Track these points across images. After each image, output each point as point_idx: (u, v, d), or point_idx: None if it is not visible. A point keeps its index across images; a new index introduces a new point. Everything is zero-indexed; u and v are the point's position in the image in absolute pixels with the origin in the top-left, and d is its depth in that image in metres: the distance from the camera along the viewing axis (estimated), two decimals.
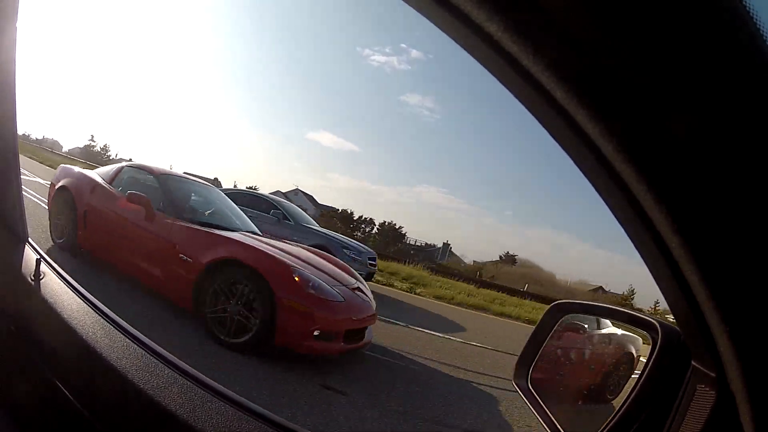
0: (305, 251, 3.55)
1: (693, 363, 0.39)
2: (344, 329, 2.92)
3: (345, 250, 6.91)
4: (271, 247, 3.16)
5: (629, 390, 0.47)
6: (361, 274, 6.97)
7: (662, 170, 0.27)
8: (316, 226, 7.78)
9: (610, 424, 0.46)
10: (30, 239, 0.98)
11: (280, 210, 7.38)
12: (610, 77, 0.25)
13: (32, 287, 0.86)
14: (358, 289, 3.31)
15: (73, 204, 3.88)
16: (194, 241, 3.13)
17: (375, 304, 3.38)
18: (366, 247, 8.02)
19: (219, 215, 3.82)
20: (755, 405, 0.31)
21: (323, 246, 6.67)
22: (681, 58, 0.24)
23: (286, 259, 2.99)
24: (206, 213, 3.74)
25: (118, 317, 0.85)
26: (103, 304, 0.87)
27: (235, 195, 7.92)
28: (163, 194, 3.55)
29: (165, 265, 3.14)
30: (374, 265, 7.69)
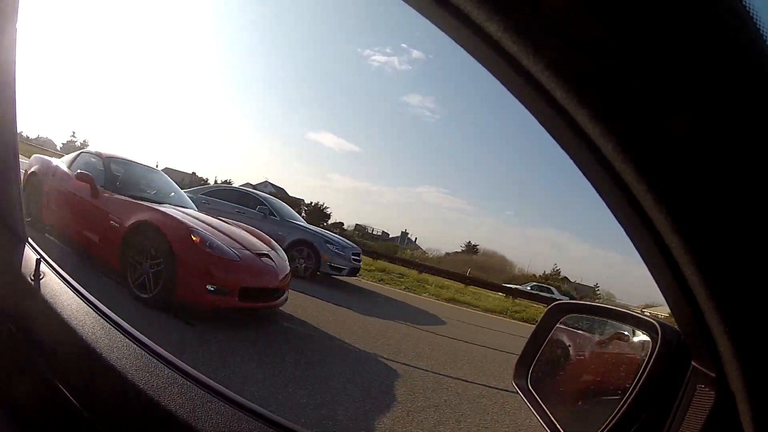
0: (226, 224, 4.04)
1: (693, 363, 0.39)
2: (239, 287, 3.28)
3: (328, 245, 7.18)
4: (185, 215, 3.67)
5: (629, 390, 0.47)
6: (344, 269, 7.33)
7: (662, 170, 0.27)
8: (302, 222, 8.00)
9: (610, 424, 0.46)
10: (30, 239, 0.98)
11: (266, 206, 7.66)
12: (610, 77, 0.25)
13: (32, 287, 0.86)
14: (266, 255, 3.72)
15: (39, 186, 4.44)
16: (123, 209, 3.65)
17: (286, 273, 3.85)
18: (351, 243, 8.21)
19: (155, 192, 4.41)
20: (755, 405, 0.31)
21: (307, 241, 7.10)
22: (681, 58, 0.24)
23: (190, 223, 3.45)
24: (144, 190, 4.31)
25: (118, 317, 0.85)
26: (103, 304, 0.87)
27: (224, 192, 8.26)
28: (105, 173, 4.15)
29: (101, 231, 3.68)
30: (358, 260, 7.89)
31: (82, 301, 0.86)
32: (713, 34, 0.23)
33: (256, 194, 8.30)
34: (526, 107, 0.31)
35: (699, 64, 0.24)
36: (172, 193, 4.61)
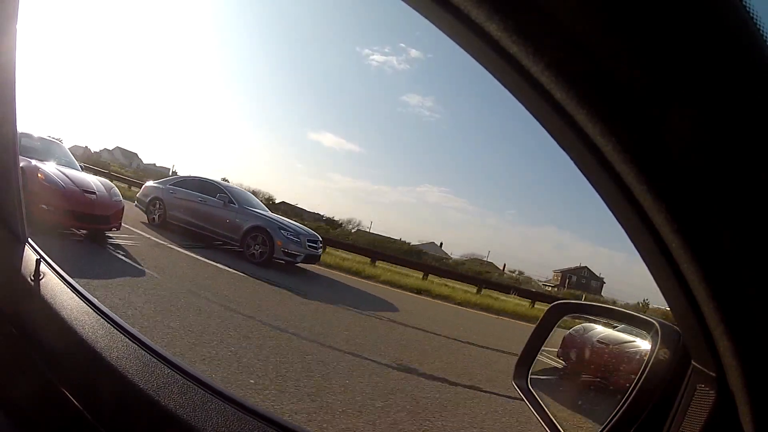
0: (81, 174, 5.96)
1: (693, 363, 0.39)
2: (62, 208, 5.13)
3: (282, 231, 7.35)
4: (48, 165, 5.55)
5: (629, 390, 0.47)
6: (299, 255, 7.53)
7: (662, 170, 0.27)
8: (260, 210, 8.15)
9: (610, 424, 0.46)
10: (30, 239, 0.98)
11: (226, 194, 7.93)
12: (610, 77, 0.25)
13: (32, 287, 0.86)
14: (91, 192, 5.53)
15: None
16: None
17: (112, 209, 5.65)
18: (308, 229, 8.23)
19: (46, 154, 6.09)
20: (755, 405, 0.31)
21: (261, 227, 7.36)
22: (681, 59, 0.24)
23: (42, 167, 5.34)
24: (38, 153, 5.97)
25: (118, 317, 0.85)
26: (103, 304, 0.87)
27: (188, 182, 8.60)
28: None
29: None
30: (315, 248, 7.86)
31: (82, 301, 0.86)
32: (713, 35, 0.23)
33: (218, 183, 8.54)
34: (526, 107, 0.31)
35: (699, 65, 0.24)
36: (63, 157, 6.51)
